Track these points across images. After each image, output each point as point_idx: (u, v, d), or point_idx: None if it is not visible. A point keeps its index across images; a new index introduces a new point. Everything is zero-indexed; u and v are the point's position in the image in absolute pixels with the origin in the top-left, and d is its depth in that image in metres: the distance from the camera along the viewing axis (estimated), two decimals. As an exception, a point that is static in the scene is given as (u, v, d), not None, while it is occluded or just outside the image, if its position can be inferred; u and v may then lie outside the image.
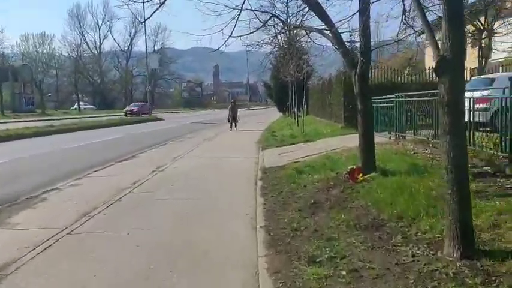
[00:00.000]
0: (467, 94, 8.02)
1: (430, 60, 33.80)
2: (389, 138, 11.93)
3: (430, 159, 8.01)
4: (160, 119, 39.39)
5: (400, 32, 8.74)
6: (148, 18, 7.14)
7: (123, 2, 7.30)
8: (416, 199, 5.36)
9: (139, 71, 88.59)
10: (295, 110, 21.23)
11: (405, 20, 8.16)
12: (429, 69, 17.91)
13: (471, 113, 7.74)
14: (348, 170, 7.00)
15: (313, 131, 16.93)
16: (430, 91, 9.64)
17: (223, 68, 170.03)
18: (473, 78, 14.08)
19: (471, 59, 23.00)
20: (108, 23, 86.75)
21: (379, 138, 10.25)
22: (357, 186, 6.68)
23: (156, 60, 56.55)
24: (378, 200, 5.71)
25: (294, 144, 14.27)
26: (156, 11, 7.13)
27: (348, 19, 6.28)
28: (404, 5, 7.53)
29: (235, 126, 23.21)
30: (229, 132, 22.24)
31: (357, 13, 6.34)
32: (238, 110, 25.43)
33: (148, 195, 7.85)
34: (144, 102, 53.90)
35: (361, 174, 6.94)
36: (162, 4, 7.03)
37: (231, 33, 7.66)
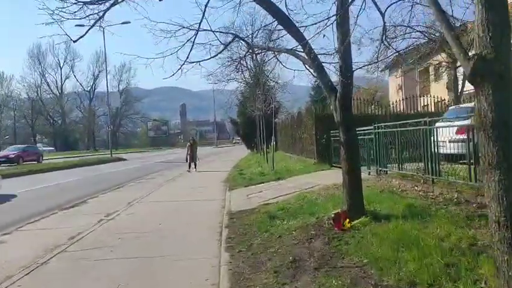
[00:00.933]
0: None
1: (394, 94, 33.90)
2: (369, 173, 10.82)
3: (424, 197, 6.86)
4: (122, 159, 37.30)
5: (379, 54, 7.84)
6: (83, 36, 5.81)
7: (53, 19, 5.96)
8: (428, 255, 4.09)
9: (103, 111, 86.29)
10: (264, 147, 19.98)
11: (385, 40, 7.27)
12: (400, 100, 17.33)
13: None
14: (332, 216, 5.70)
15: (284, 167, 15.70)
16: (414, 120, 8.67)
17: (191, 107, 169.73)
18: (450, 107, 13.37)
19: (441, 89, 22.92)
20: (70, 62, 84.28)
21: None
22: (345, 236, 5.37)
23: (118, 98, 54.54)
24: (376, 257, 4.39)
25: (263, 183, 12.94)
26: (91, 27, 5.84)
27: (322, 29, 5.13)
28: (384, 23, 6.62)
29: (195, 166, 21.01)
30: (193, 173, 20.49)
31: (334, 23, 5.22)
32: (205, 147, 23.95)
33: (86, 254, 6.24)
34: (29, 145, 44.15)
35: (348, 220, 5.66)
36: (99, 20, 5.76)
37: (187, 58, 6.41)
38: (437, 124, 7.61)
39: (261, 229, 6.61)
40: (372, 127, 10.71)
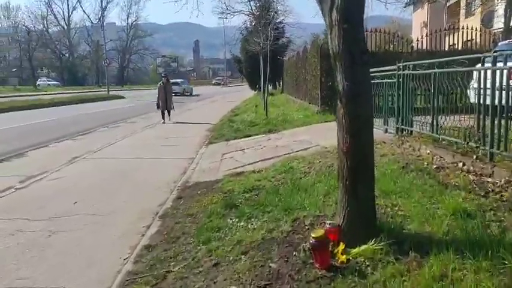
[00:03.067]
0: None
1: (417, 33, 29.71)
2: (386, 131, 7.93)
3: (481, 189, 4.01)
4: (120, 97, 34.62)
5: None
6: None
7: None
8: None
9: (111, 45, 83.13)
10: (263, 88, 16.91)
11: None
12: (432, 34, 13.81)
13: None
14: (315, 240, 2.91)
15: (281, 116, 12.79)
16: (465, 56, 5.63)
17: (205, 44, 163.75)
18: (500, 43, 10.05)
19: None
20: (77, -8, 79.85)
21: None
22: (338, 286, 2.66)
23: (115, 30, 50.43)
24: None
25: (250, 136, 10.17)
26: None
27: None
28: None
29: (169, 115, 15.85)
30: (181, 116, 17.64)
31: None
32: (215, 87, 20.33)
33: None
34: None
35: (342, 247, 2.91)
36: None
37: None
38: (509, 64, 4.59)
39: (201, 236, 3.92)
40: (394, 67, 7.65)
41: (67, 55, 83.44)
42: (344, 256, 2.85)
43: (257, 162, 7.06)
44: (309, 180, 5.16)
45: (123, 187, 6.47)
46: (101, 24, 43.45)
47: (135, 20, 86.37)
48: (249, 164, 6.97)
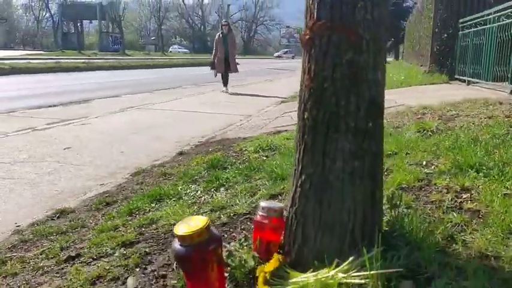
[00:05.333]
0: None
1: None
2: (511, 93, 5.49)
3: None
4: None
5: None
6: None
7: None
8: None
9: (239, 16, 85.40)
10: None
11: None
12: None
13: None
14: (181, 242, 1.27)
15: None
16: None
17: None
18: None
19: None
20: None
21: (469, 90, 4.25)
22: None
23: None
24: None
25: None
26: None
27: None
28: None
29: (227, 82, 11.19)
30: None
31: None
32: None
33: None
34: None
35: (275, 264, 1.24)
36: None
37: None
38: None
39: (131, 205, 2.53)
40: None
41: (199, 25, 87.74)
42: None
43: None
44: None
45: (140, 138, 5.39)
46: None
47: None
48: (293, 124, 5.33)
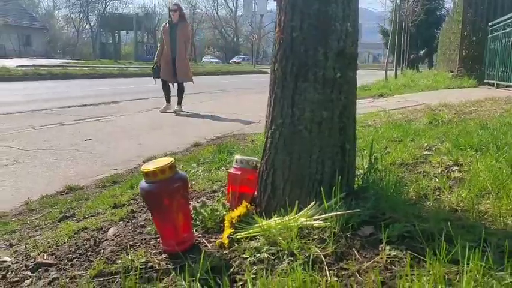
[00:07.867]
0: None
1: None
2: None
3: None
4: (262, 72, 34.98)
5: None
6: None
7: None
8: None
9: (271, 27, 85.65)
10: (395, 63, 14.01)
11: None
12: None
13: None
14: (146, 179, 1.34)
15: (404, 82, 10.38)
16: None
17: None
18: None
19: None
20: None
21: (497, 93, 4.15)
22: None
23: (265, 5, 50.89)
24: None
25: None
26: None
27: None
28: None
29: (181, 98, 7.97)
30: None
31: None
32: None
33: None
34: None
35: (242, 210, 1.28)
36: None
37: None
38: None
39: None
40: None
41: (232, 35, 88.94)
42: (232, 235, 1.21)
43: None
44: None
45: (159, 133, 5.54)
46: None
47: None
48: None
